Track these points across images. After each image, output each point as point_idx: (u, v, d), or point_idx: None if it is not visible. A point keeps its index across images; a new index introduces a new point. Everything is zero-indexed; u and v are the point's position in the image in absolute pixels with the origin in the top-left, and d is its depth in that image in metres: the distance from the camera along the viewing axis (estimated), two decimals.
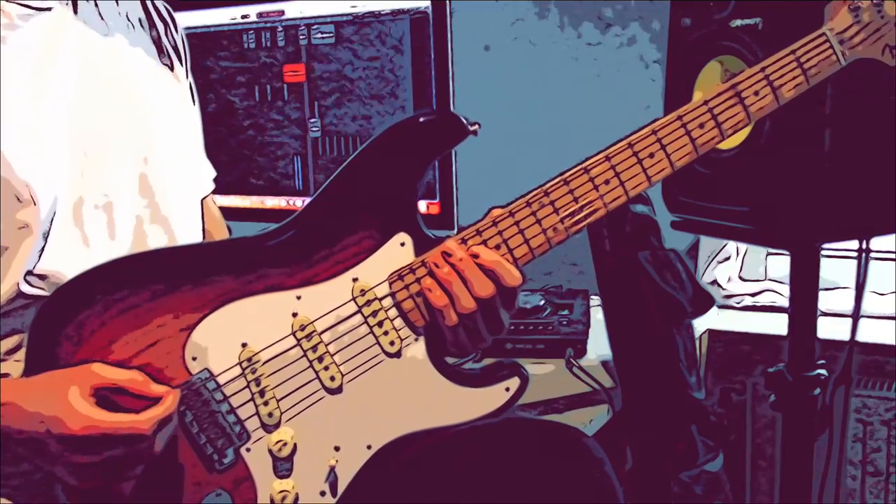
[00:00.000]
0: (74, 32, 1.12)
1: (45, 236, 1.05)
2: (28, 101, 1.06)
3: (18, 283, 1.04)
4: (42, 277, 1.05)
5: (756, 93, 1.06)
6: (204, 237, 1.31)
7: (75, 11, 1.13)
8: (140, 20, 1.25)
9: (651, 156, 1.06)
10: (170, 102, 1.25)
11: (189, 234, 1.24)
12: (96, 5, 1.18)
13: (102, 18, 1.18)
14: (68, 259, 1.06)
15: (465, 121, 1.06)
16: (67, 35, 1.11)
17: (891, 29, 1.10)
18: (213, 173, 1.41)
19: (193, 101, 1.33)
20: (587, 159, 1.06)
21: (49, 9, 1.10)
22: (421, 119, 1.08)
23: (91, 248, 1.10)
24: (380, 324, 1.05)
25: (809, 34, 1.08)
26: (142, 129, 1.19)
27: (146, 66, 1.23)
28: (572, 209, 1.05)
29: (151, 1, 1.29)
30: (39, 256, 1.05)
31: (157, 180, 1.19)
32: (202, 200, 1.33)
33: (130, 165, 1.16)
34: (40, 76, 1.08)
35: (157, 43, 1.27)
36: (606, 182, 1.05)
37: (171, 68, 1.28)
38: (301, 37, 1.95)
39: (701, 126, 1.06)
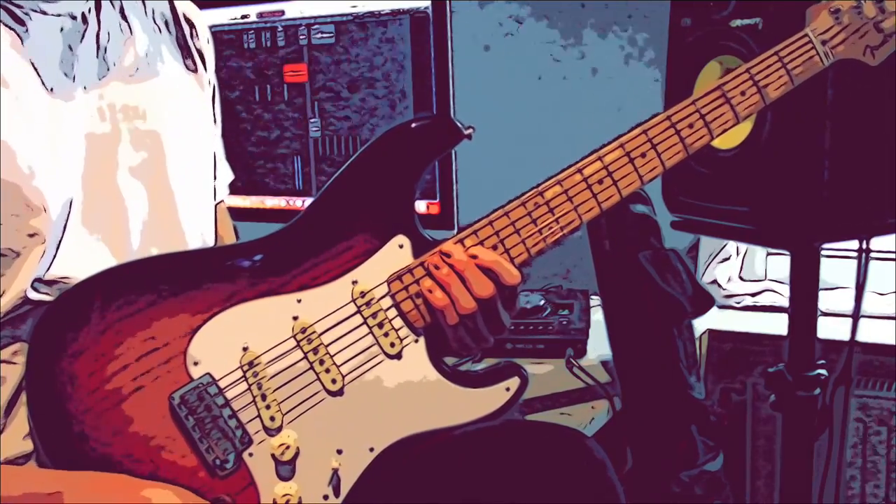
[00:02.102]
0: (95, 36, 1.11)
1: (58, 243, 1.05)
2: (44, 107, 1.05)
3: (25, 290, 1.03)
4: (50, 283, 1.05)
5: (743, 93, 1.08)
6: (216, 243, 1.31)
7: (98, 12, 1.12)
8: (166, 22, 1.24)
9: (643, 155, 1.07)
10: (189, 107, 1.24)
11: (202, 240, 1.23)
12: (122, 7, 1.16)
13: (127, 20, 1.16)
14: (80, 265, 1.05)
15: (459, 125, 1.07)
16: (88, 38, 1.10)
17: (870, 30, 1.12)
18: (231, 177, 1.40)
19: (214, 105, 1.32)
20: (580, 160, 1.07)
21: (70, 13, 1.09)
22: (415, 124, 1.09)
23: (103, 253, 1.09)
24: (380, 325, 1.06)
25: (792, 36, 1.10)
26: (159, 134, 1.17)
27: (169, 69, 1.21)
28: (567, 209, 1.06)
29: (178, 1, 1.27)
30: (51, 263, 1.04)
31: (172, 186, 1.18)
32: (216, 205, 1.33)
33: (145, 170, 1.15)
34: (58, 80, 1.07)
35: (183, 46, 1.26)
36: (600, 182, 1.06)
37: (195, 71, 1.26)
38: (301, 37, 1.95)
39: (690, 126, 1.07)
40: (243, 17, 2.00)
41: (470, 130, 1.07)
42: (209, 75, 1.30)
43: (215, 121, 1.32)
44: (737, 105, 1.08)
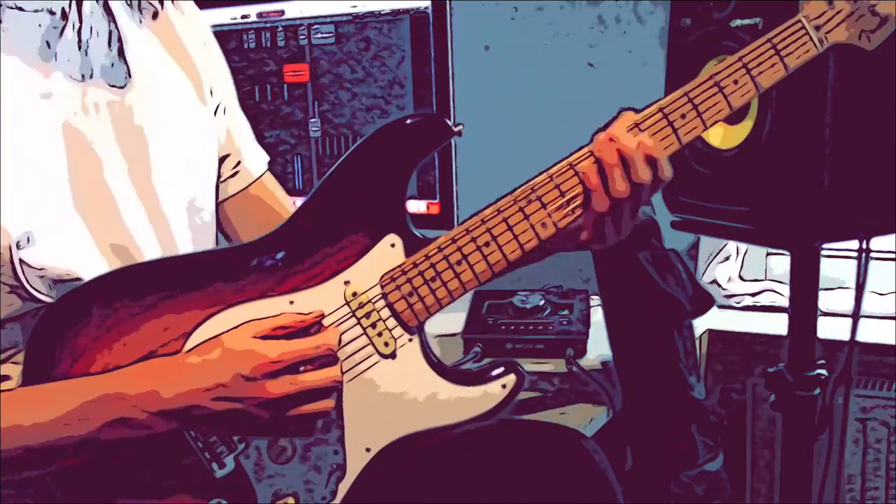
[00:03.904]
0: (76, 31, 1.10)
1: (33, 239, 1.04)
2: (21, 106, 1.04)
3: (18, 293, 1.03)
4: (51, 286, 1.04)
5: (735, 81, 1.07)
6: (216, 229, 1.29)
7: (79, 7, 1.10)
8: (155, 14, 1.22)
9: None
10: (178, 101, 1.22)
11: (189, 236, 1.21)
12: (106, 2, 1.15)
13: (110, 13, 1.15)
14: (65, 258, 1.05)
15: (448, 122, 1.07)
16: (68, 33, 1.09)
17: (864, 13, 1.11)
18: (266, 158, 1.39)
19: (212, 95, 1.29)
20: (571, 154, 1.07)
21: (48, 8, 1.08)
22: (406, 121, 1.08)
23: (89, 251, 1.08)
24: (373, 325, 1.06)
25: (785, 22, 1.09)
26: (145, 129, 1.16)
27: (155, 61, 1.20)
28: (559, 203, 1.06)
29: None
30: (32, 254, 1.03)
31: (156, 183, 1.17)
32: (259, 179, 1.33)
33: (131, 165, 1.14)
34: (36, 77, 1.06)
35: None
36: None
37: (182, 64, 1.24)
38: (301, 37, 1.95)
39: (682, 116, 1.06)
40: (243, 17, 2.00)
41: (460, 127, 1.07)
42: (210, 62, 1.28)
43: (206, 115, 1.29)
44: (729, 94, 1.07)
